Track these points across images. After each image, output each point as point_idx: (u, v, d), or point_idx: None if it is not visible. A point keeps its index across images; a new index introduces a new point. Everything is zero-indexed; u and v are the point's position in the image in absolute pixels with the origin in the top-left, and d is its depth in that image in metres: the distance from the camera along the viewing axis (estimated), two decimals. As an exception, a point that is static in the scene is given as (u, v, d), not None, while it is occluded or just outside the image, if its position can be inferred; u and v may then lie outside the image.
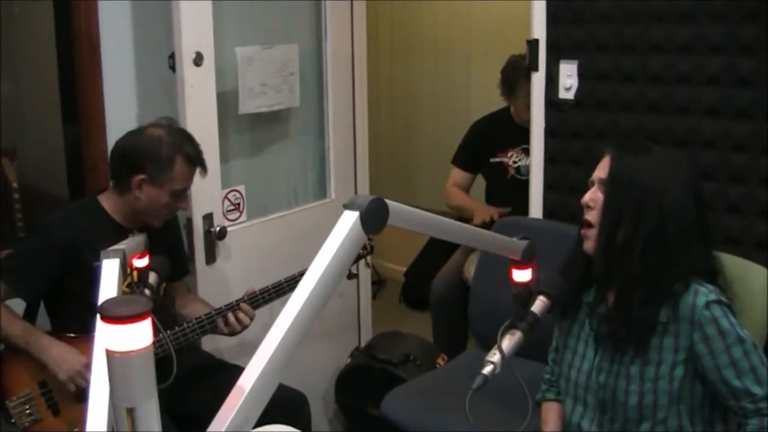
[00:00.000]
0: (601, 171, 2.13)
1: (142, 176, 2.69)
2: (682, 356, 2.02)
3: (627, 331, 2.06)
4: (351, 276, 3.01)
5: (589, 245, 2.15)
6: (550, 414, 2.37)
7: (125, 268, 1.76)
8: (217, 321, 2.76)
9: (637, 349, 2.06)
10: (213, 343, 3.13)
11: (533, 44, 3.08)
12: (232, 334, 2.80)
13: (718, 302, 2.00)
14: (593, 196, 2.13)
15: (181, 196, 2.79)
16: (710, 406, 2.07)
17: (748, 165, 2.67)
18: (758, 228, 2.67)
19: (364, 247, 3.07)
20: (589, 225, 2.14)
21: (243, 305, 2.80)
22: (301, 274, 1.50)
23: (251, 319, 2.80)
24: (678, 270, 2.03)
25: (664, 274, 2.03)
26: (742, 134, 2.67)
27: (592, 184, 2.16)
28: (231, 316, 2.78)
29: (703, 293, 2.00)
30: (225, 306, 2.79)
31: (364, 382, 3.70)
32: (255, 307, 2.83)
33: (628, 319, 2.05)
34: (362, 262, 3.37)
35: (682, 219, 2.05)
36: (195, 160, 2.77)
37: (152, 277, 2.13)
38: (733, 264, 2.28)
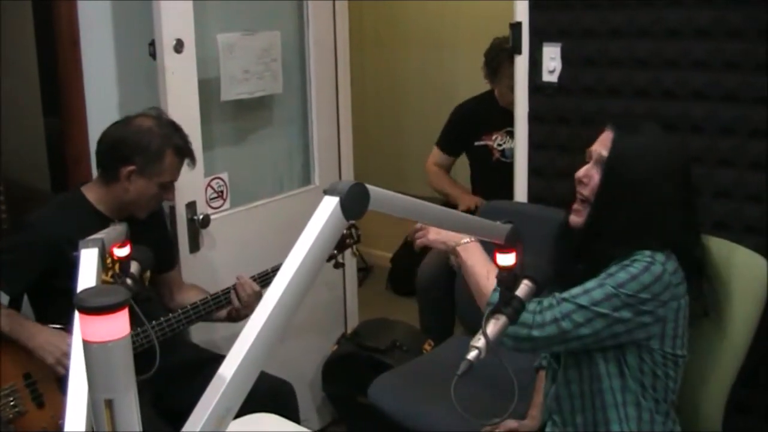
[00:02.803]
0: (602, 146, 2.12)
1: (131, 167, 2.67)
2: None
3: None
4: (338, 265, 3.00)
5: (577, 220, 2.16)
6: (539, 381, 2.42)
7: (104, 257, 1.73)
8: (216, 303, 2.77)
9: None
10: (208, 334, 3.12)
11: (516, 27, 3.07)
12: (237, 317, 2.80)
13: (646, 267, 1.98)
14: (588, 172, 2.13)
15: (169, 187, 2.78)
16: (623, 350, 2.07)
17: (736, 148, 2.67)
18: (747, 212, 2.67)
19: (351, 236, 3.06)
20: (583, 201, 2.14)
21: (244, 279, 2.80)
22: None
23: (257, 295, 2.80)
24: (646, 242, 2.03)
25: (626, 247, 2.04)
26: (730, 118, 2.67)
27: (590, 156, 2.15)
28: (233, 294, 2.79)
29: (646, 254, 2.00)
30: (218, 292, 2.80)
31: (351, 369, 3.70)
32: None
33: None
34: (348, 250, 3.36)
35: (674, 201, 2.06)
36: (184, 152, 2.76)
37: (134, 267, 2.10)
38: (719, 248, 2.28)
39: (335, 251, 2.92)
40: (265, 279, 2.84)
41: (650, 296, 1.98)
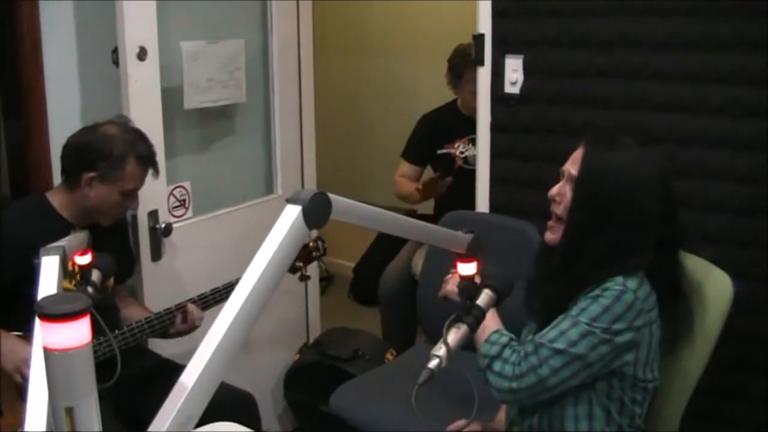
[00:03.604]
0: (572, 165, 2.11)
1: (92, 174, 2.66)
2: None
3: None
4: (304, 278, 2.99)
5: (552, 237, 2.16)
6: None
7: (66, 265, 1.73)
8: (169, 320, 2.74)
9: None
10: (168, 343, 3.10)
11: (479, 39, 3.09)
12: (178, 334, 2.78)
13: (618, 296, 1.98)
14: (561, 190, 2.13)
15: (132, 195, 2.76)
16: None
17: (697, 159, 2.70)
18: (737, 227, 2.69)
19: (317, 249, 3.06)
20: (558, 218, 2.14)
21: (190, 305, 2.78)
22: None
23: (199, 320, 2.78)
24: (625, 265, 2.03)
25: (605, 271, 2.02)
26: (690, 128, 2.71)
27: (563, 174, 2.15)
28: (179, 316, 2.76)
29: (618, 282, 2.00)
30: (173, 306, 2.77)
31: (313, 378, 3.69)
32: (206, 308, 2.81)
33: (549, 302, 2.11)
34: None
35: (647, 219, 2.04)
36: (148, 160, 2.74)
37: (95, 275, 2.09)
38: (696, 268, 2.26)
39: (301, 264, 2.92)
40: (205, 302, 2.84)
41: (625, 326, 1.98)
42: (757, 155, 2.61)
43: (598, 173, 2.07)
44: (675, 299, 2.15)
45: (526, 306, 2.23)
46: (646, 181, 2.07)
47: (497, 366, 2.01)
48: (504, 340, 2.05)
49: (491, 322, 2.08)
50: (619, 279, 2.00)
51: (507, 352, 2.02)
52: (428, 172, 4.38)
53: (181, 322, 2.78)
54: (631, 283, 2.00)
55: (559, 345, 1.97)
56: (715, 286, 2.25)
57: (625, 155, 2.10)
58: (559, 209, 2.13)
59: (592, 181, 2.06)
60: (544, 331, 2.01)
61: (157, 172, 2.81)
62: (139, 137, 2.75)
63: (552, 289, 2.12)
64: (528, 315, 2.26)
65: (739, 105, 2.62)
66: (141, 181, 2.77)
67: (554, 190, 2.15)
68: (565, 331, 1.98)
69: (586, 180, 2.07)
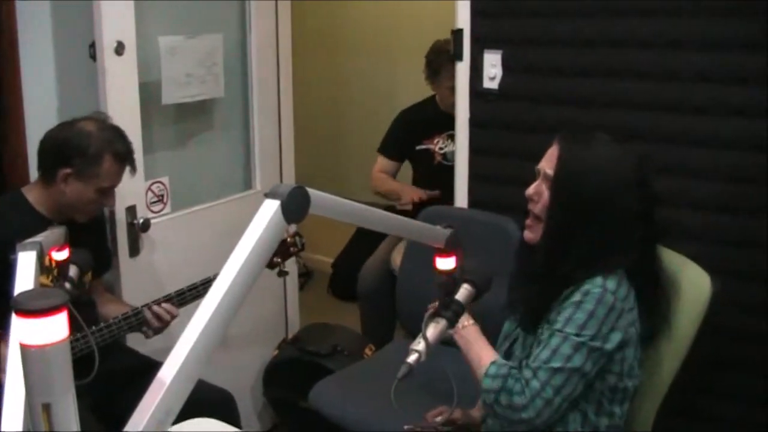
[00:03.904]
0: (548, 164, 2.10)
1: (68, 170, 2.64)
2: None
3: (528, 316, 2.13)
4: (282, 274, 2.99)
5: (530, 236, 2.16)
6: None
7: (43, 260, 1.72)
8: (144, 317, 2.72)
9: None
10: (150, 344, 3.09)
11: (458, 34, 3.09)
12: (156, 332, 2.77)
13: (600, 299, 1.98)
14: (538, 189, 2.13)
15: (108, 193, 2.74)
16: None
17: (678, 157, 2.71)
18: (719, 224, 2.70)
19: (295, 245, 3.05)
20: (536, 217, 2.14)
21: (164, 304, 2.76)
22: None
23: (173, 316, 2.76)
24: (606, 264, 2.03)
25: (587, 270, 2.02)
26: (672, 128, 2.72)
27: (539, 173, 2.14)
28: (153, 311, 2.74)
29: (598, 284, 1.99)
30: (151, 302, 2.75)
31: (292, 374, 3.69)
32: (183, 304, 2.79)
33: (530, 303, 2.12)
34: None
35: (626, 215, 2.04)
36: (124, 158, 2.72)
37: (73, 271, 2.08)
38: (672, 262, 2.25)
39: (279, 260, 2.91)
40: (182, 298, 2.83)
41: (609, 328, 1.98)
42: (739, 154, 2.63)
43: (575, 173, 2.06)
44: (653, 295, 2.14)
45: (508, 303, 2.23)
46: (624, 177, 2.06)
47: (504, 399, 1.98)
48: (504, 371, 2.01)
49: (484, 351, 2.08)
50: (598, 280, 2.00)
51: (510, 383, 1.98)
52: (406, 171, 4.38)
53: (154, 318, 2.75)
54: (611, 284, 2.00)
55: (556, 364, 1.96)
56: (691, 282, 2.24)
57: (601, 152, 2.10)
58: (536, 208, 2.13)
59: (570, 181, 2.06)
60: (536, 352, 2.00)
61: (134, 170, 2.79)
62: (117, 135, 2.73)
63: (535, 289, 2.11)
64: (509, 311, 2.27)
65: (722, 104, 2.63)
66: (117, 178, 2.75)
67: (531, 190, 2.14)
68: (557, 348, 1.97)
69: (563, 180, 2.07)
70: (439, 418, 2.39)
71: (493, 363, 2.04)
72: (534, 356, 2.00)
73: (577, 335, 1.96)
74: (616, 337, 1.99)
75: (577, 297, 1.99)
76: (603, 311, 1.97)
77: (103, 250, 3.02)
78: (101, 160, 2.66)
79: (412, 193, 4.17)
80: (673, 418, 2.33)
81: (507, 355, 2.24)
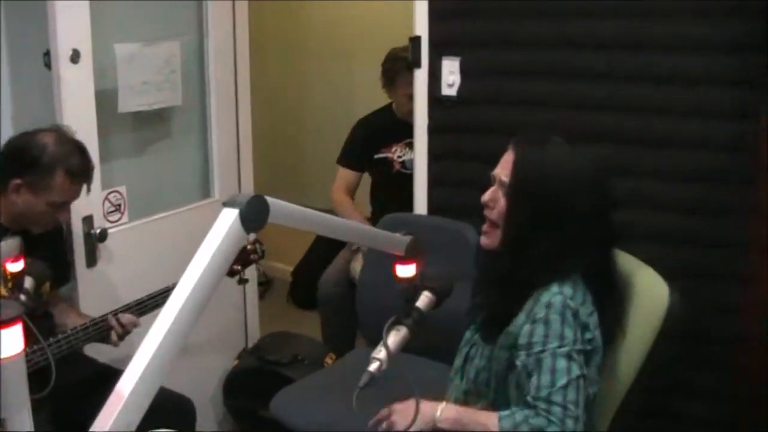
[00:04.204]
0: (503, 170, 2.10)
1: (19, 181, 2.60)
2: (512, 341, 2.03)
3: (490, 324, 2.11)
4: (242, 281, 2.97)
5: (487, 242, 2.15)
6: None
7: (-2, 272, 1.70)
8: (105, 327, 2.69)
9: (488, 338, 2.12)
10: (109, 353, 3.05)
11: (415, 41, 3.10)
12: (120, 338, 2.74)
13: (564, 305, 1.98)
14: (494, 195, 2.12)
15: (62, 207, 2.69)
16: None
17: (638, 158, 2.75)
18: (679, 226, 2.72)
19: (255, 252, 3.03)
20: (492, 223, 2.13)
21: (124, 314, 2.73)
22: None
23: (135, 326, 2.74)
24: (566, 268, 2.03)
25: (549, 275, 2.02)
26: (633, 127, 2.75)
27: (494, 179, 2.13)
28: (113, 321, 2.71)
29: (555, 292, 1.99)
30: (110, 313, 2.72)
31: (252, 383, 3.67)
32: (143, 314, 2.76)
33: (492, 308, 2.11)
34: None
35: (584, 219, 2.04)
36: (79, 174, 2.67)
37: (28, 282, 2.06)
38: (627, 264, 2.25)
39: (239, 267, 2.89)
40: (142, 307, 2.80)
41: (583, 325, 1.98)
42: (699, 154, 2.65)
43: (530, 178, 2.06)
44: (610, 298, 2.13)
45: (471, 309, 2.22)
46: (580, 180, 2.06)
47: None
48: (519, 417, 1.92)
49: (478, 416, 2.00)
50: (554, 288, 1.99)
51: (534, 422, 1.89)
52: (363, 180, 4.38)
53: (118, 325, 2.72)
54: (567, 290, 2.00)
55: (561, 381, 1.91)
56: (645, 286, 2.22)
57: (556, 155, 2.10)
58: (492, 214, 2.12)
59: (526, 185, 2.06)
60: (535, 382, 1.93)
61: (89, 188, 2.75)
62: (76, 150, 2.67)
63: (497, 294, 2.11)
64: (471, 317, 2.26)
65: (681, 105, 2.66)
66: (71, 194, 2.69)
67: (486, 196, 2.14)
68: (553, 367, 1.93)
69: (519, 185, 2.06)
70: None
71: (500, 419, 1.94)
72: (535, 387, 1.93)
73: (561, 346, 1.93)
74: (593, 333, 2.00)
75: (541, 313, 1.97)
76: (570, 315, 1.96)
77: (62, 261, 2.98)
78: (53, 174, 2.60)
79: None
80: (643, 418, 2.34)
81: (466, 359, 2.24)
